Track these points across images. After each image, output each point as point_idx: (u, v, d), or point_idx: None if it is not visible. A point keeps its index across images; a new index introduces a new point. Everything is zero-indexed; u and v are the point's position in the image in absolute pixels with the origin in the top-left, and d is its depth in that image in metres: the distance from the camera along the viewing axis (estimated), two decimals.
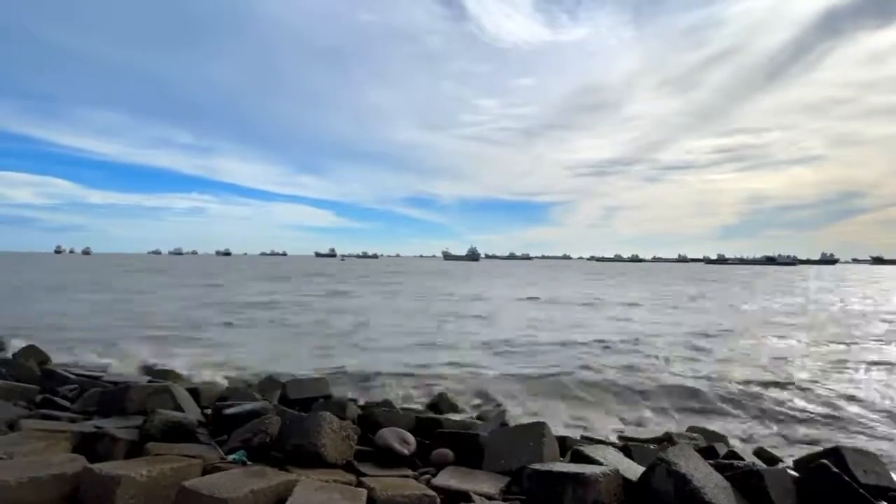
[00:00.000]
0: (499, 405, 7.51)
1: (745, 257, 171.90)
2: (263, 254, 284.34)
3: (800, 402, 7.93)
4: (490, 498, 3.23)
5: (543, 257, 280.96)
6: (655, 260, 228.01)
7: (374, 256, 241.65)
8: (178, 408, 4.67)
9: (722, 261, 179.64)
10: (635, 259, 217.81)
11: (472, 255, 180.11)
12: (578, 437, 5.73)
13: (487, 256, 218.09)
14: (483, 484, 3.42)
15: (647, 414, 7.46)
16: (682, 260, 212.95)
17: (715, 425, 6.79)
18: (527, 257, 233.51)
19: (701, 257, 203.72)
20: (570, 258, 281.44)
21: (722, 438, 6.10)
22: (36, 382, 5.99)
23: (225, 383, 7.89)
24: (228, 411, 4.54)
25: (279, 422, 3.95)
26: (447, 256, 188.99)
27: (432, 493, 3.17)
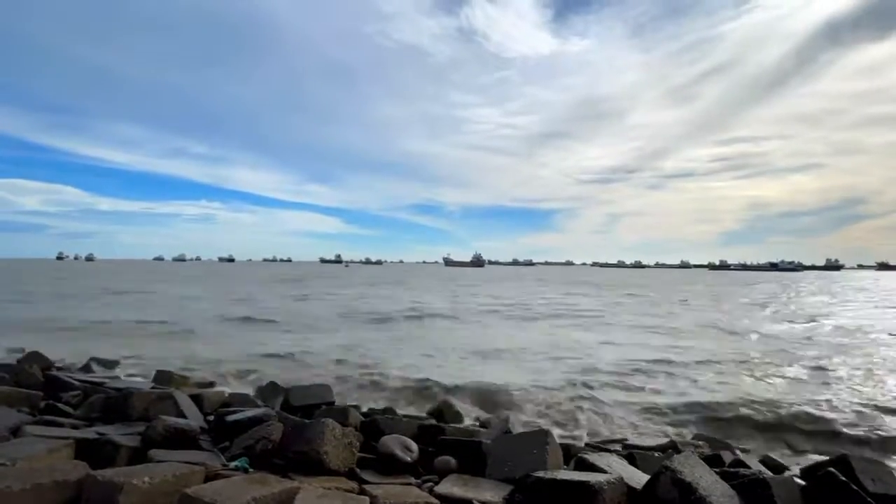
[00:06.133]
0: (502, 412, 7.47)
1: (748, 263, 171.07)
2: (266, 259, 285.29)
3: (806, 410, 7.85)
4: None
5: (546, 263, 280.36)
6: (658, 266, 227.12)
7: (378, 262, 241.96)
8: (181, 414, 4.68)
9: (724, 267, 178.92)
10: (638, 265, 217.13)
11: (477, 261, 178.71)
12: (582, 445, 5.70)
13: (490, 262, 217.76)
14: (486, 492, 3.40)
15: (652, 422, 7.40)
16: (685, 266, 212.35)
17: (720, 433, 6.74)
18: (530, 263, 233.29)
19: (704, 263, 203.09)
20: (573, 264, 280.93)
21: (727, 446, 6.05)
22: (39, 388, 6.00)
23: (228, 389, 7.88)
24: (231, 418, 4.54)
25: (281, 428, 3.95)
26: (448, 262, 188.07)
27: (435, 500, 3.16)
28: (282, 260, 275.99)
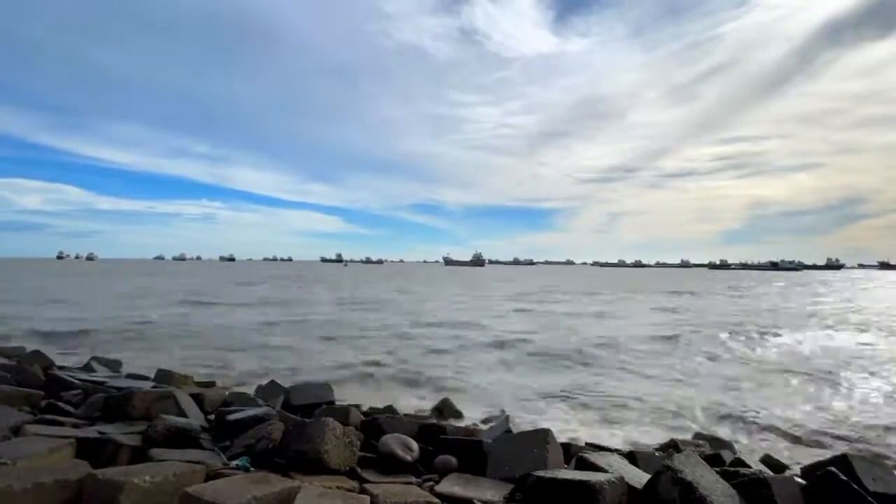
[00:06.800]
0: (503, 411, 7.48)
1: (748, 262, 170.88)
2: (266, 259, 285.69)
3: (807, 409, 7.86)
4: None
5: (547, 263, 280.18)
6: (659, 265, 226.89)
7: (379, 262, 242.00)
8: (182, 413, 4.68)
9: (725, 266, 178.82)
10: (638, 264, 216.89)
11: (477, 261, 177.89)
12: (583, 444, 5.69)
13: (491, 262, 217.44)
14: (487, 491, 3.40)
15: (653, 421, 7.40)
16: (685, 265, 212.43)
17: (721, 432, 6.73)
18: (530, 263, 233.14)
19: (705, 262, 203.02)
20: (574, 263, 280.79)
21: (728, 445, 6.04)
22: (41, 388, 6.00)
23: (228, 389, 7.88)
24: (231, 417, 4.54)
25: (282, 427, 3.95)
26: (448, 262, 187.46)
27: (435, 500, 3.15)
28: (282, 259, 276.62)
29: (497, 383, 9.25)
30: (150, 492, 2.70)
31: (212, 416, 5.10)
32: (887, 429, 6.92)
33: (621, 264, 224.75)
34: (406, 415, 6.68)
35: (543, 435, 3.97)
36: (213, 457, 3.75)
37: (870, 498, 3.29)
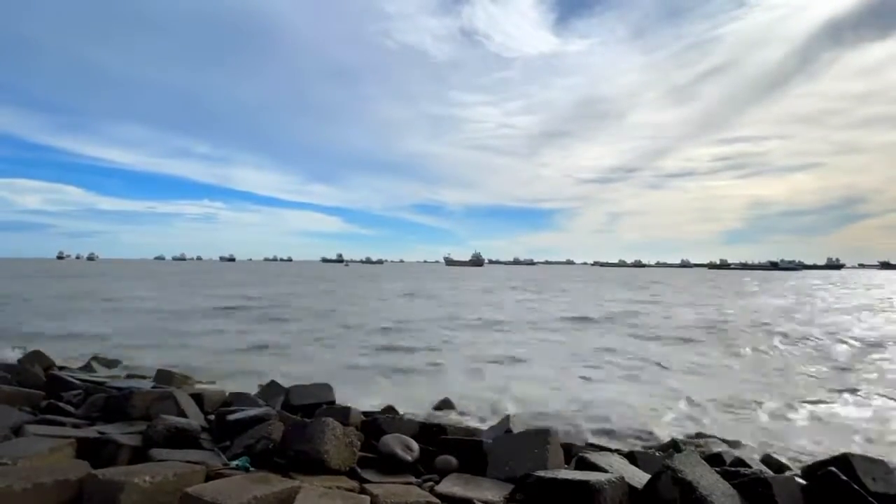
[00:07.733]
0: (503, 411, 7.46)
1: (748, 262, 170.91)
2: (267, 259, 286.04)
3: (807, 409, 7.85)
4: None
5: (547, 262, 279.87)
6: (659, 265, 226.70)
7: (379, 262, 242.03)
8: (182, 413, 4.68)
9: (725, 266, 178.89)
10: (638, 264, 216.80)
11: (477, 261, 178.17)
12: (584, 444, 5.69)
13: (491, 262, 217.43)
14: (487, 491, 3.40)
15: (653, 421, 7.39)
16: (686, 265, 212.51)
17: (721, 432, 6.72)
18: (530, 262, 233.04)
19: (705, 262, 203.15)
20: (574, 263, 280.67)
21: (729, 445, 6.04)
22: (41, 388, 6.01)
23: (228, 389, 7.88)
24: (232, 417, 4.53)
25: (282, 428, 3.95)
26: (449, 262, 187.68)
27: (436, 500, 3.16)
28: (282, 259, 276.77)
29: None
30: (150, 492, 2.71)
31: (212, 416, 5.10)
32: (887, 429, 6.91)
33: (622, 264, 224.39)
34: (406, 415, 6.68)
35: (544, 435, 3.97)
36: (213, 457, 3.75)
37: (870, 498, 3.29)
